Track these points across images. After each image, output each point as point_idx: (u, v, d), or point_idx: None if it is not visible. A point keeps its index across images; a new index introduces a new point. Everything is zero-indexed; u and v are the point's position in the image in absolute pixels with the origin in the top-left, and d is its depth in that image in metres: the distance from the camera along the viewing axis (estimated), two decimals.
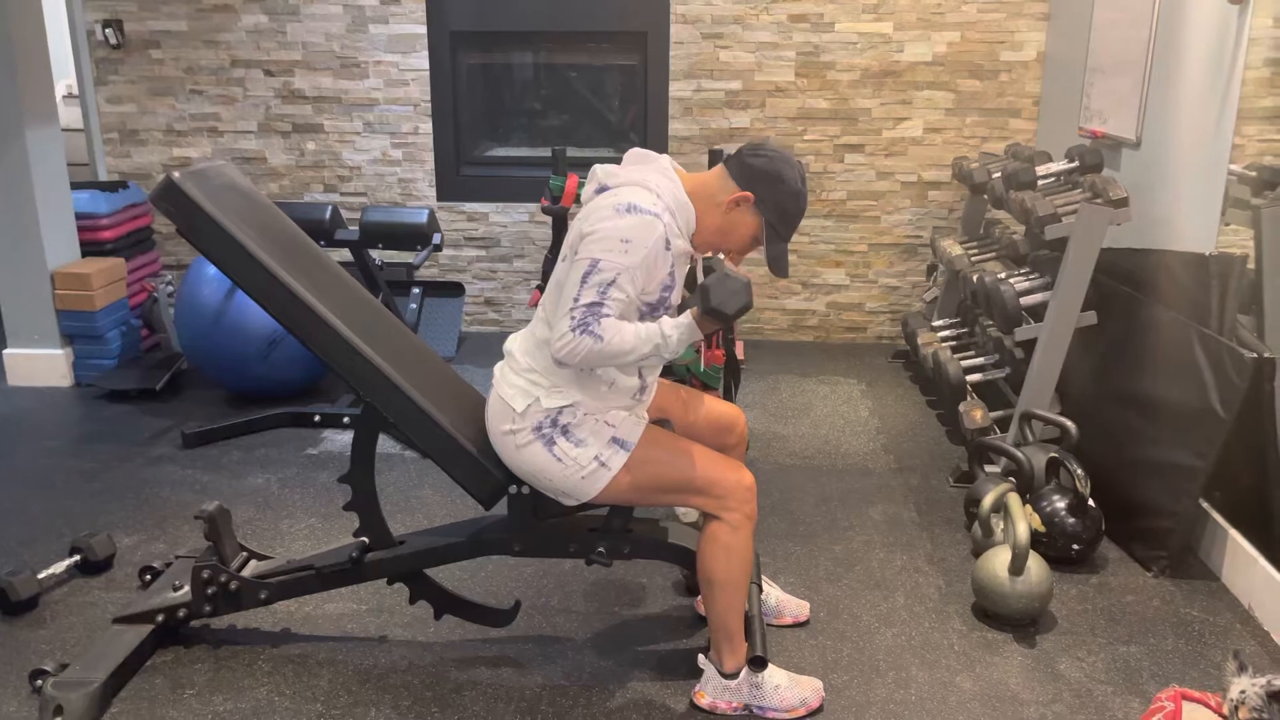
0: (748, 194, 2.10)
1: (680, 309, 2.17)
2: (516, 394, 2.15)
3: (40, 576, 2.67)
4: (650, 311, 2.10)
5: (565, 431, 2.12)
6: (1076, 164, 3.62)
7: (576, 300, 1.99)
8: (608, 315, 1.99)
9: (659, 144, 4.83)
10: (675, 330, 2.03)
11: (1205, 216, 3.06)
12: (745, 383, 4.40)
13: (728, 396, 3.45)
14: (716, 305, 1.99)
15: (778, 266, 2.16)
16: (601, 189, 2.11)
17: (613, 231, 1.99)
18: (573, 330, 1.99)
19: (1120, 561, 2.93)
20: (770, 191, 2.10)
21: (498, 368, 2.24)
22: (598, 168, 2.15)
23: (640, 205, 2.01)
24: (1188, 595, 2.76)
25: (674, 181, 2.11)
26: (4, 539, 3.01)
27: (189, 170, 2.28)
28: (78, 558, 2.79)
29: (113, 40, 4.84)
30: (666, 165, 2.15)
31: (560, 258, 2.14)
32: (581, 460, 2.13)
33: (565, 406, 2.12)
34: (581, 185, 3.16)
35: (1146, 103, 3.45)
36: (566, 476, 2.14)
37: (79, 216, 4.39)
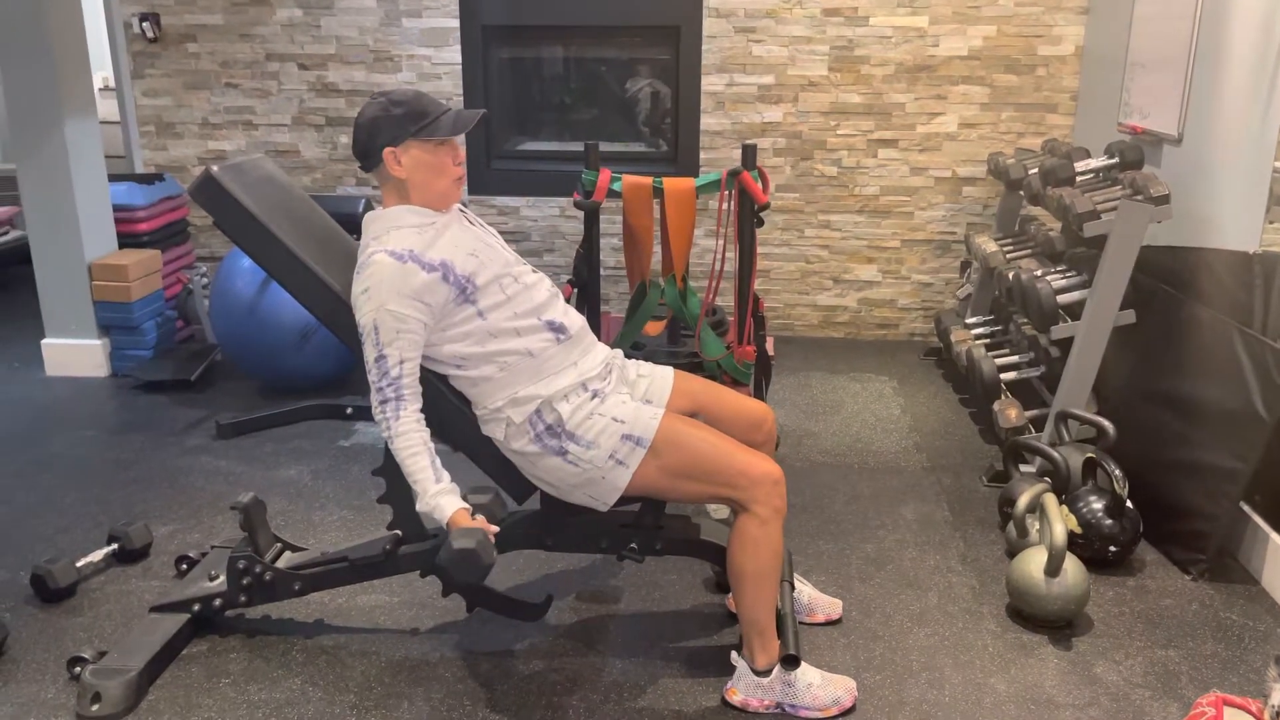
0: (386, 152, 2.12)
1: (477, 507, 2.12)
2: (493, 427, 2.21)
3: (78, 565, 2.71)
4: (483, 292, 2.13)
5: (572, 437, 2.14)
6: (1116, 160, 3.56)
7: (366, 363, 2.09)
8: (396, 374, 2.06)
9: (691, 138, 4.81)
10: (434, 499, 2.04)
11: (1249, 214, 3.00)
12: (776, 379, 4.38)
13: (758, 393, 3.43)
14: (439, 562, 1.96)
15: (454, 128, 2.14)
16: None
17: (354, 294, 2.11)
18: (376, 396, 2.08)
19: (1158, 564, 2.89)
20: (381, 133, 2.12)
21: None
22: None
23: (360, 261, 2.12)
24: (1227, 599, 2.72)
25: (380, 215, 2.18)
26: (42, 527, 3.05)
27: (226, 164, 2.30)
28: (115, 546, 2.82)
29: (149, 34, 4.89)
30: (375, 211, 2.21)
31: None
32: (597, 461, 2.14)
33: (536, 409, 2.15)
34: (614, 180, 3.15)
35: (1189, 98, 3.39)
36: (589, 480, 2.16)
37: (116, 209, 4.44)
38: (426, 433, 2.10)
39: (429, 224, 2.15)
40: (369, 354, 2.08)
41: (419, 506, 2.07)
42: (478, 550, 1.92)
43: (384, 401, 2.07)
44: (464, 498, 2.08)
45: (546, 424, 2.15)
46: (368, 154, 2.15)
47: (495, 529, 2.02)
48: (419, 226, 2.14)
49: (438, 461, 2.09)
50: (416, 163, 2.14)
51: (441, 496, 2.05)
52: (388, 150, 2.13)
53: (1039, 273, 3.46)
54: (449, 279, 2.10)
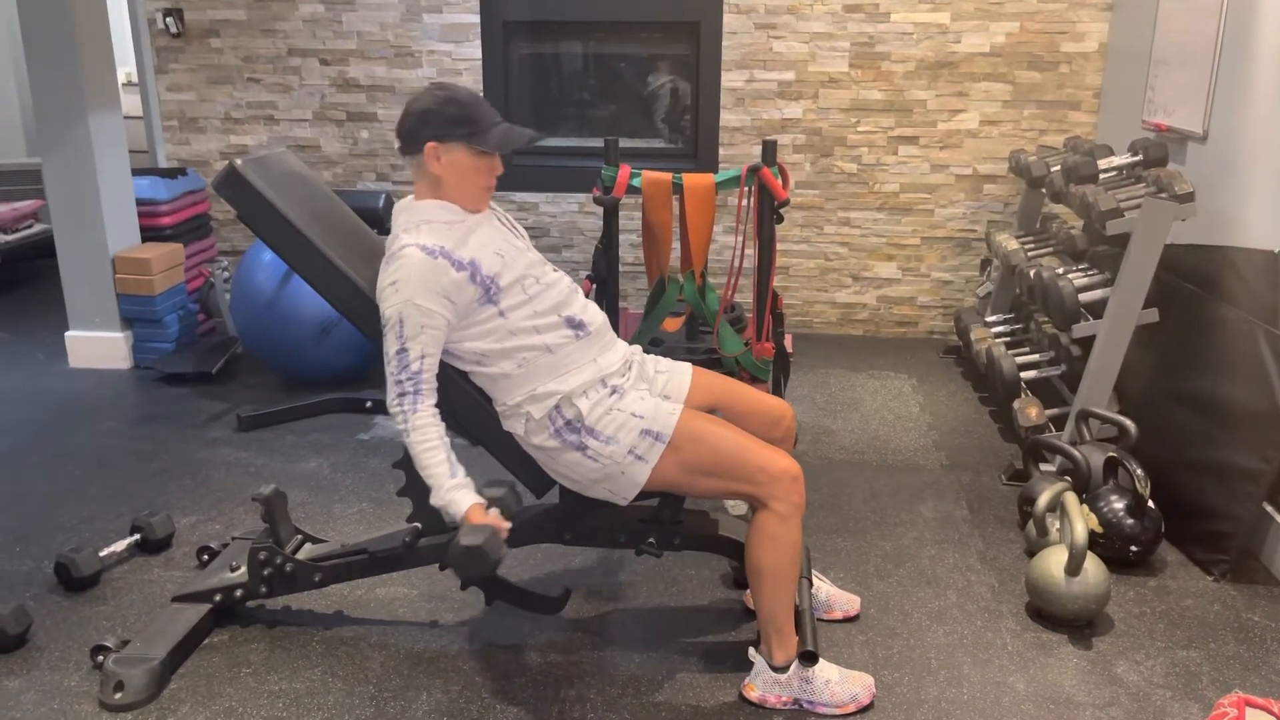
0: (428, 145, 2.12)
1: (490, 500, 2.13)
2: (514, 422, 2.21)
3: (102, 554, 2.73)
4: (506, 292, 2.12)
5: (591, 432, 2.14)
6: (1140, 158, 3.54)
7: (386, 355, 2.08)
8: (416, 369, 2.06)
9: (710, 135, 4.80)
10: (449, 494, 2.04)
11: (1274, 212, 2.98)
12: (794, 376, 4.37)
13: (776, 390, 3.43)
14: (451, 559, 1.96)
15: (502, 144, 2.15)
16: None
17: (381, 285, 2.09)
18: (393, 389, 2.08)
19: (1179, 564, 2.87)
20: (429, 125, 2.12)
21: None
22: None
23: (391, 253, 2.11)
24: (1249, 600, 2.70)
25: (411, 205, 2.17)
26: (66, 517, 3.08)
27: (251, 158, 2.31)
28: (138, 536, 2.85)
29: (173, 29, 4.92)
30: (406, 200, 2.20)
31: None
32: (616, 457, 2.14)
33: (555, 405, 2.15)
34: (634, 176, 3.15)
35: (1214, 95, 3.36)
36: (608, 475, 2.16)
37: (139, 202, 4.47)
38: (442, 427, 2.10)
39: (459, 221, 2.16)
40: (390, 346, 2.08)
41: (433, 500, 2.07)
42: (484, 547, 1.93)
43: (402, 395, 2.08)
44: (479, 491, 2.09)
45: (566, 419, 2.15)
46: (411, 140, 2.14)
47: (507, 525, 2.02)
48: (449, 223, 2.14)
49: (453, 456, 2.09)
50: (455, 164, 2.14)
51: (455, 491, 2.05)
52: (431, 144, 2.12)
53: (1060, 271, 3.44)
54: (476, 279, 2.11)
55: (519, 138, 2.16)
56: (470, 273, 2.10)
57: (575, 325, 2.21)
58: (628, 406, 2.17)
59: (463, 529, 1.97)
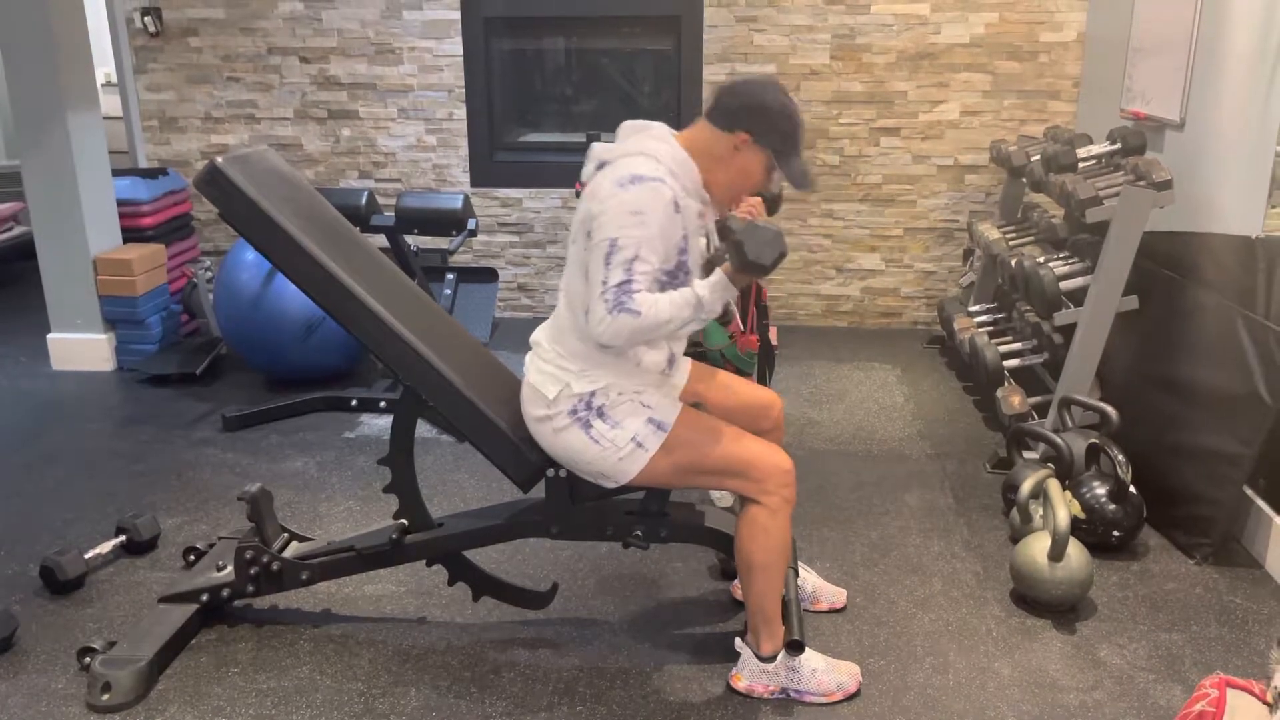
0: (743, 135, 2.09)
1: (706, 269, 2.15)
2: (546, 380, 2.17)
3: (87, 556, 2.72)
4: (670, 280, 2.09)
5: (601, 414, 2.13)
6: (1118, 146, 3.56)
7: (605, 283, 2.00)
8: (638, 290, 1.99)
9: None
10: (708, 290, 2.03)
11: (1251, 199, 3.00)
12: (779, 368, 4.38)
13: (761, 382, 3.44)
14: (753, 258, 1.98)
15: (801, 182, 2.13)
16: (601, 165, 2.11)
17: (621, 206, 1.99)
18: (609, 313, 1.99)
19: (1162, 549, 2.90)
20: (761, 122, 2.08)
21: (528, 358, 2.26)
22: (595, 145, 2.15)
23: (642, 174, 2.01)
24: (1231, 583, 2.72)
25: (671, 144, 2.11)
26: (51, 519, 3.07)
27: (232, 155, 2.30)
28: (123, 538, 2.84)
29: (151, 28, 4.90)
30: (661, 131, 2.14)
31: (570, 239, 2.14)
32: (618, 442, 2.13)
33: (597, 389, 2.13)
34: None
35: (1191, 83, 3.39)
36: (604, 458, 2.15)
37: (120, 203, 4.45)
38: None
39: (694, 200, 2.11)
40: (613, 275, 1.97)
41: (703, 312, 2.02)
42: (780, 234, 2.00)
43: (621, 308, 1.98)
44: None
45: (590, 403, 2.14)
46: (728, 118, 2.08)
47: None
48: (691, 195, 2.09)
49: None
50: (746, 164, 2.11)
51: (704, 286, 2.01)
52: (745, 136, 2.08)
53: (1042, 259, 3.46)
54: (682, 254, 2.08)
55: (808, 180, 2.14)
56: (683, 245, 2.07)
57: (670, 361, 2.21)
58: (639, 395, 2.16)
59: (751, 231, 1.98)
